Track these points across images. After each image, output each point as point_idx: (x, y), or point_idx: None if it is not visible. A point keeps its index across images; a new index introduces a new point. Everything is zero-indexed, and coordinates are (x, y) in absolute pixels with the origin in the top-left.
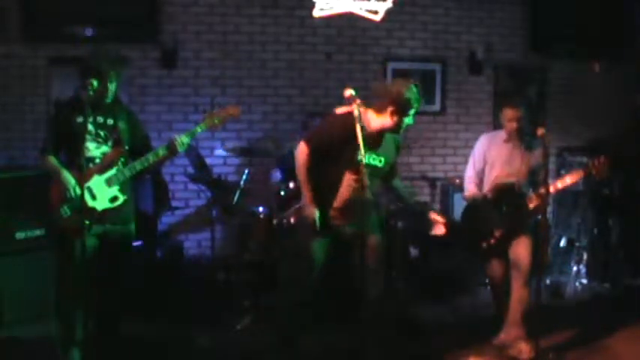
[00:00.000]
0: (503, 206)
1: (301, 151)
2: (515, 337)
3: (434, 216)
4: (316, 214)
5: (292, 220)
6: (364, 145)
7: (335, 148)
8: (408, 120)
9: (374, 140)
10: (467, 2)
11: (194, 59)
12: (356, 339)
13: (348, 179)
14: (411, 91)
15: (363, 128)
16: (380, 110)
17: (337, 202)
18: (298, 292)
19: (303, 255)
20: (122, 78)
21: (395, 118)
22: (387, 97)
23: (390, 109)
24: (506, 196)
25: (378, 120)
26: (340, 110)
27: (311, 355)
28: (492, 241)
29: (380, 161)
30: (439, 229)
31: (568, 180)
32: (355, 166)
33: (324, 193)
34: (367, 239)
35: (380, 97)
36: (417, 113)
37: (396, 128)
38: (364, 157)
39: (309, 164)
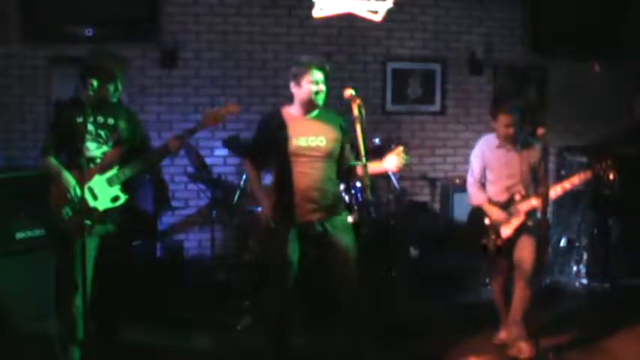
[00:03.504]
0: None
1: (245, 165)
2: (515, 336)
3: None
4: (268, 206)
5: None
6: (297, 133)
7: (270, 144)
8: (315, 87)
9: (307, 124)
10: (467, 2)
11: (194, 59)
12: (338, 340)
13: (299, 167)
14: (300, 59)
15: (363, 127)
16: (292, 97)
17: (298, 195)
18: (277, 298)
19: (275, 262)
20: (126, 78)
21: (300, 87)
22: (291, 78)
23: (292, 84)
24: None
25: (295, 105)
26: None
27: (305, 356)
28: (499, 242)
29: (322, 141)
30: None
31: (575, 180)
32: (296, 152)
33: (282, 191)
34: (335, 238)
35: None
36: (326, 78)
37: (308, 96)
38: (363, 157)
39: (256, 174)
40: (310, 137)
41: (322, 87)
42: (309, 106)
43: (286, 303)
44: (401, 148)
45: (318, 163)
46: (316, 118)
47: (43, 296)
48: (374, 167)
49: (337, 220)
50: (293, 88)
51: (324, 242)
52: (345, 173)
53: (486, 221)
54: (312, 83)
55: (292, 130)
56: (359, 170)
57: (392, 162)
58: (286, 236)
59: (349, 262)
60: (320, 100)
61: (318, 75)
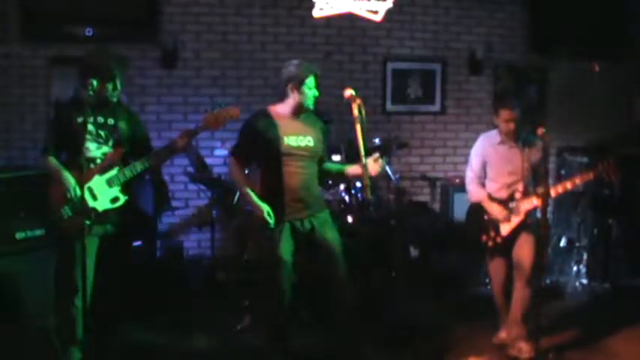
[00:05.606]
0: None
1: (231, 163)
2: (515, 336)
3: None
4: (264, 208)
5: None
6: (288, 132)
7: (259, 143)
8: (311, 92)
9: (296, 124)
10: (467, 2)
11: (194, 59)
12: (329, 338)
13: (288, 166)
14: (301, 64)
15: (363, 127)
16: (283, 96)
17: (288, 194)
18: (275, 297)
19: (270, 261)
20: (125, 78)
21: (299, 91)
22: (282, 80)
23: (289, 85)
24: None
25: (286, 105)
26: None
27: (306, 356)
28: (498, 239)
29: (309, 141)
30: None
31: (577, 180)
32: (286, 153)
33: (271, 190)
34: (322, 236)
35: (279, 87)
36: (317, 82)
37: (306, 100)
38: (363, 157)
39: (242, 173)
40: (300, 137)
41: (316, 92)
42: (302, 108)
43: (284, 302)
44: (377, 155)
45: (306, 163)
46: (302, 119)
47: (43, 296)
48: (353, 170)
49: (322, 217)
50: (291, 89)
51: (313, 241)
52: (323, 174)
53: (485, 217)
54: (311, 89)
55: (283, 129)
56: (356, 170)
57: (372, 167)
58: (278, 235)
59: (337, 259)
60: (312, 104)
61: (314, 81)
